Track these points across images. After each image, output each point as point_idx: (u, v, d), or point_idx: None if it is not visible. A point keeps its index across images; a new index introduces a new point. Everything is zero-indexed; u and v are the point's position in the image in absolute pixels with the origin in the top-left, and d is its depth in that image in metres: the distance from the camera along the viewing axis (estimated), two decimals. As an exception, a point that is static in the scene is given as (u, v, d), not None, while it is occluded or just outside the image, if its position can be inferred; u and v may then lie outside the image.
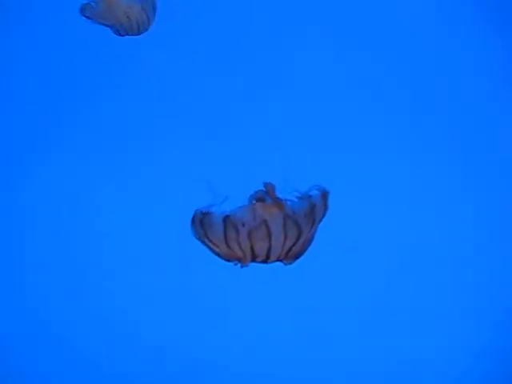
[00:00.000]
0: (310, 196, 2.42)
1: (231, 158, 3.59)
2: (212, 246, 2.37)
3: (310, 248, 2.44)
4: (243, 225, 2.32)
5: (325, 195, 2.46)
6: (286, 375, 3.59)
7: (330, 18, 3.84)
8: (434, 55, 3.83)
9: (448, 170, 3.76)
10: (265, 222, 2.32)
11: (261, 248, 2.37)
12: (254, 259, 2.42)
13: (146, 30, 3.08)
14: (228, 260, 2.42)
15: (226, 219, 2.30)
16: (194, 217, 2.35)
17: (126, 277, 3.58)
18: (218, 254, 2.41)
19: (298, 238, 2.40)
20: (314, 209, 2.42)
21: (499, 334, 3.65)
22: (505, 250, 3.71)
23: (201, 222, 2.34)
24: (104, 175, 3.68)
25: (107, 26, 3.03)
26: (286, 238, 2.37)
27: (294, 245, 2.40)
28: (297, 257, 2.47)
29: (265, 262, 2.42)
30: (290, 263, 2.47)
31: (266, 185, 2.41)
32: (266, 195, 2.42)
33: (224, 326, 3.53)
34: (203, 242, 2.39)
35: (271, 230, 2.33)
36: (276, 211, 2.37)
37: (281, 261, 2.44)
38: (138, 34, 3.08)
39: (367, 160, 3.70)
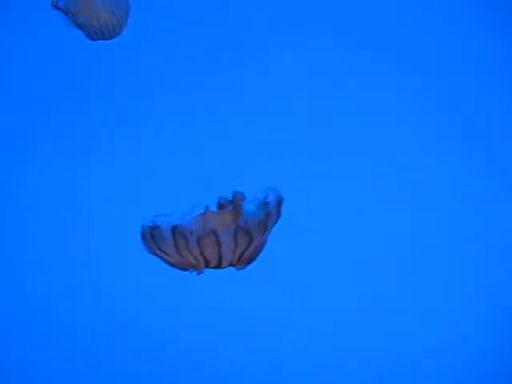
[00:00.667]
0: (267, 203, 2.48)
1: (192, 164, 3.64)
2: (165, 256, 2.48)
3: (265, 251, 2.52)
4: (191, 233, 2.41)
5: (280, 203, 2.54)
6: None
7: (328, 19, 3.82)
8: (433, 55, 3.80)
9: (447, 173, 3.75)
10: (213, 231, 2.41)
11: (211, 254, 2.47)
12: (207, 265, 2.55)
13: (119, 34, 3.03)
14: (184, 269, 2.54)
15: (174, 229, 2.41)
16: (142, 232, 2.43)
17: (126, 276, 3.67)
18: (172, 265, 2.53)
19: (249, 246, 2.50)
20: (268, 218, 2.51)
21: (499, 334, 3.61)
22: (505, 249, 3.68)
23: (151, 236, 2.43)
24: (99, 175, 3.76)
25: (78, 26, 2.99)
26: (236, 246, 2.46)
27: (244, 251, 2.51)
28: (249, 261, 2.57)
29: (218, 267, 2.55)
30: (242, 268, 2.58)
31: (235, 194, 2.45)
32: (228, 203, 2.48)
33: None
34: (156, 255, 2.50)
35: (220, 238, 2.42)
36: (229, 221, 2.46)
37: (233, 266, 2.56)
38: (110, 39, 3.02)
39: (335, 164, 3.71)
